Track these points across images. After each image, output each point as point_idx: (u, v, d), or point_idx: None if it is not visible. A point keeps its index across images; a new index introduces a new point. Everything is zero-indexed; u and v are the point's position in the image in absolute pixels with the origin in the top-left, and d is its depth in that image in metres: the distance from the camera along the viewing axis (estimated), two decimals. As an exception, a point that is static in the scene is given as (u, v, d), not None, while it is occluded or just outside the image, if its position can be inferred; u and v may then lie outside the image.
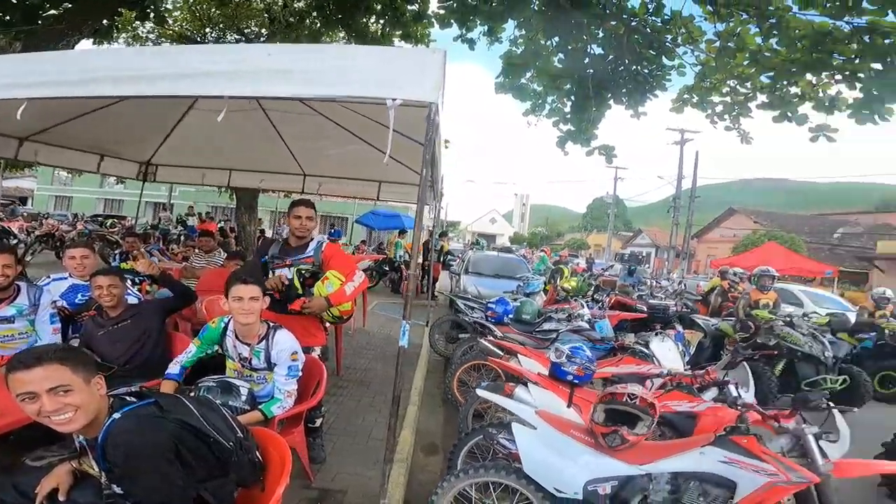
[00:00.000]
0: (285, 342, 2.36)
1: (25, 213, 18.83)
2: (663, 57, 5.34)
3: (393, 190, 6.82)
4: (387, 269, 12.44)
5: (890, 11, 3.62)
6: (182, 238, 13.26)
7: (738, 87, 5.06)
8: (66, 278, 3.18)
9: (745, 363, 3.24)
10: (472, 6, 5.07)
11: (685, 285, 15.19)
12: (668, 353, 3.62)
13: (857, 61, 4.00)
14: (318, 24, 7.97)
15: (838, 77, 4.30)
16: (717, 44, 4.80)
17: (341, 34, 8.52)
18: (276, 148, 5.93)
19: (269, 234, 14.08)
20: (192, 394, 2.19)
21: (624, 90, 5.46)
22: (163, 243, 11.14)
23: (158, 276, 2.88)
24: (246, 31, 8.89)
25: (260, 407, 2.24)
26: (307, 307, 2.81)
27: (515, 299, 5.83)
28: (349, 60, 2.21)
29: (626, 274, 11.36)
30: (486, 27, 5.54)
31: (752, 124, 5.38)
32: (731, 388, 2.40)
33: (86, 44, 5.88)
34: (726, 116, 5.32)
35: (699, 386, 2.79)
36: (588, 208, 74.73)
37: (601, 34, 5.27)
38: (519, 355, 3.63)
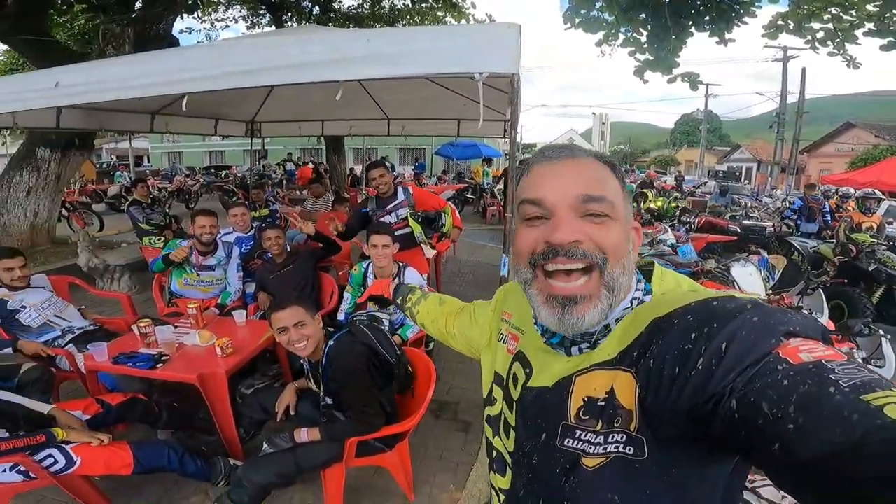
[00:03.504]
0: (414, 278, 2.90)
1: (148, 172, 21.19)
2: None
3: (471, 126, 7.01)
4: (471, 196, 12.84)
5: None
6: (284, 182, 14.79)
7: (841, 14, 4.54)
8: (231, 232, 3.87)
9: (821, 290, 3.22)
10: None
11: (789, 202, 13.95)
12: (749, 278, 3.52)
13: None
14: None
15: None
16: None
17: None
18: (361, 98, 6.36)
19: (357, 171, 15.02)
20: None
21: (707, 18, 5.03)
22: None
23: (315, 234, 3.42)
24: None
25: (398, 332, 2.84)
26: (453, 240, 3.92)
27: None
28: (442, 40, 2.48)
29: (717, 194, 10.72)
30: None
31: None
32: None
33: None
34: (829, 43, 4.82)
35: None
36: (676, 124, 68.04)
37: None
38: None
